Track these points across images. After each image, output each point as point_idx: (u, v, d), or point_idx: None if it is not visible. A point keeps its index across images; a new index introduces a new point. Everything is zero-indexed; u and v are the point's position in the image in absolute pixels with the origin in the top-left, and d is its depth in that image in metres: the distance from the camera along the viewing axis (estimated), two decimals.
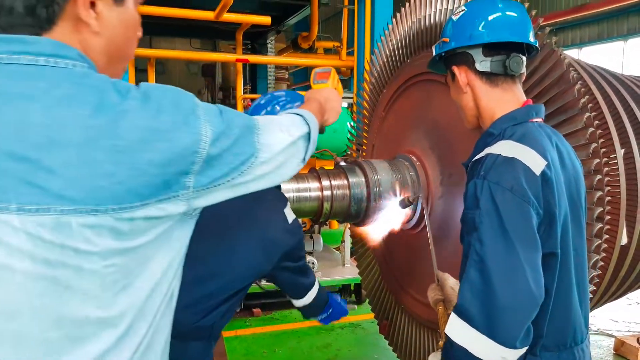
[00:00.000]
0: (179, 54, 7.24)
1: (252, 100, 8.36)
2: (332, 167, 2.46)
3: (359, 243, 3.09)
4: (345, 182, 2.32)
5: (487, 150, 1.38)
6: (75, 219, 0.77)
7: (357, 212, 2.35)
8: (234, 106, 7.61)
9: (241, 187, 0.99)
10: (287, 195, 2.14)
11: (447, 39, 1.56)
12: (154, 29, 8.45)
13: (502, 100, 1.49)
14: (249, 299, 4.69)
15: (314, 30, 8.32)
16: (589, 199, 1.74)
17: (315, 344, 4.22)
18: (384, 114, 2.74)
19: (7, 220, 0.76)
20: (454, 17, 1.57)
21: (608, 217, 1.89)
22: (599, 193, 1.81)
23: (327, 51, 11.13)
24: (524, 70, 1.51)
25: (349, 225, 3.98)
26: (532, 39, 1.51)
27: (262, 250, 1.86)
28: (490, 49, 1.48)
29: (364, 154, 3.00)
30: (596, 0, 11.13)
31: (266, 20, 6.83)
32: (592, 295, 1.94)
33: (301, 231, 2.00)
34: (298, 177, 2.31)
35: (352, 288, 5.28)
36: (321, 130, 1.33)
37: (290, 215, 1.94)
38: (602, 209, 1.82)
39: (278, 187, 2.07)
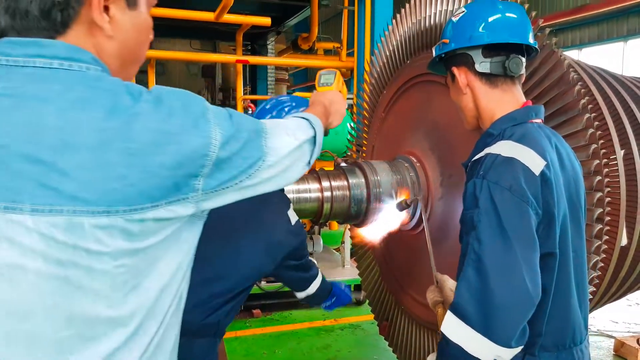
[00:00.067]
0: (179, 55, 7.25)
1: (252, 101, 8.38)
2: (332, 168, 2.47)
3: (359, 244, 3.09)
4: (345, 183, 2.32)
5: (487, 150, 1.39)
6: (87, 220, 0.78)
7: (357, 213, 2.35)
8: (234, 107, 7.61)
9: (248, 189, 1.00)
10: (287, 196, 2.15)
11: (447, 40, 1.56)
12: (154, 30, 8.42)
13: (502, 101, 1.50)
14: (249, 300, 4.69)
15: (314, 31, 8.32)
16: (588, 200, 1.74)
17: (315, 345, 4.22)
18: (384, 115, 2.75)
19: (20, 221, 0.77)
20: (454, 19, 1.57)
21: (608, 218, 1.90)
22: (599, 194, 1.81)
23: (327, 52, 11.14)
24: (523, 71, 1.52)
25: (349, 227, 3.99)
26: (531, 40, 1.51)
27: (266, 252, 1.89)
28: (489, 50, 1.48)
29: (364, 154, 3.01)
30: (596, 1, 11.14)
31: (266, 21, 6.84)
32: (591, 296, 1.94)
33: (304, 231, 2.03)
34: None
35: (352, 289, 5.28)
36: (325, 133, 1.35)
37: (293, 217, 1.96)
38: (602, 210, 1.82)
39: (282, 189, 2.09)
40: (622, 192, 2.24)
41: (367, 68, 3.06)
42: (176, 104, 0.87)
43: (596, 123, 1.87)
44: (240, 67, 7.59)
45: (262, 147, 1.00)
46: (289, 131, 1.11)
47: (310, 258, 2.17)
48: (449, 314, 1.29)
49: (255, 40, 10.28)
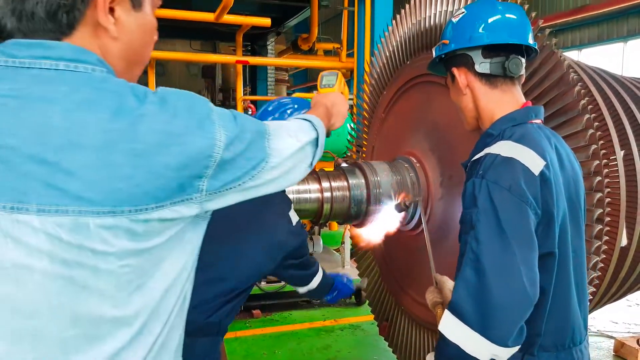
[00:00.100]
0: (179, 56, 7.25)
1: (252, 101, 8.38)
2: (332, 169, 2.47)
3: (361, 249, 3.09)
4: (345, 183, 2.32)
5: (486, 151, 1.39)
6: (93, 220, 0.79)
7: (357, 213, 2.35)
8: (234, 107, 7.61)
9: (251, 190, 1.01)
10: (288, 196, 2.15)
11: (447, 41, 1.57)
12: None
13: (502, 101, 1.50)
14: (249, 301, 4.68)
15: (314, 31, 8.32)
16: (588, 201, 1.74)
17: (315, 346, 4.22)
18: (384, 115, 2.75)
19: (27, 221, 0.78)
20: (454, 20, 1.57)
21: (608, 219, 1.90)
22: (599, 194, 1.81)
23: (327, 53, 11.14)
24: (523, 72, 1.52)
25: (348, 227, 3.98)
26: (531, 41, 1.52)
27: (268, 252, 1.91)
28: (489, 50, 1.49)
29: (364, 155, 3.01)
30: (596, 2, 11.15)
31: (266, 22, 6.85)
32: (591, 297, 1.94)
33: (304, 231, 2.04)
34: None
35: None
36: (327, 134, 1.36)
37: (294, 217, 1.98)
38: (602, 210, 1.82)
39: (283, 190, 2.10)
40: (622, 192, 2.24)
41: (367, 69, 3.06)
42: (181, 105, 0.87)
43: (596, 124, 1.87)
44: (240, 67, 7.59)
45: (265, 148, 1.01)
46: (291, 133, 1.12)
47: (310, 255, 2.18)
48: (446, 313, 1.29)
49: (255, 41, 10.29)
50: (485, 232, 1.27)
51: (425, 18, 2.34)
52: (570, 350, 1.41)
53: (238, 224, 1.88)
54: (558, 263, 1.35)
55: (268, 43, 10.27)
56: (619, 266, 2.39)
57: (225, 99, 10.39)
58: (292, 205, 2.04)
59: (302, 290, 2.25)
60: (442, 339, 1.29)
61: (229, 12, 6.10)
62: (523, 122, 1.45)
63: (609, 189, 1.89)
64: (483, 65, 1.49)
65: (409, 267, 2.52)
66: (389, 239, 2.45)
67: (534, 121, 1.47)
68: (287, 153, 1.07)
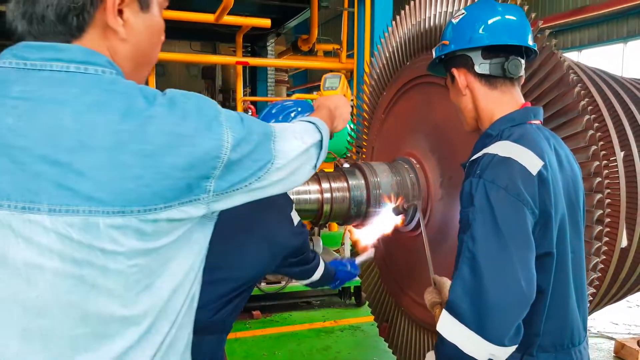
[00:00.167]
0: (179, 57, 7.24)
1: (252, 102, 8.37)
2: (332, 170, 2.47)
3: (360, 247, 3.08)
4: (345, 184, 2.32)
5: (485, 151, 1.39)
6: (102, 220, 0.80)
7: (357, 214, 2.35)
8: (234, 108, 7.61)
9: (257, 191, 1.02)
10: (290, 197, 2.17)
11: (447, 42, 1.57)
12: None
13: (501, 102, 1.50)
14: (249, 302, 4.66)
15: (314, 32, 8.32)
16: (588, 202, 1.74)
17: (315, 347, 4.22)
18: (383, 116, 2.75)
19: (38, 221, 0.79)
20: (454, 20, 1.58)
21: (608, 220, 1.89)
22: (599, 195, 1.81)
23: (327, 54, 11.14)
24: (522, 73, 1.52)
25: (348, 228, 3.98)
26: (530, 42, 1.52)
27: (270, 252, 1.95)
28: (489, 51, 1.49)
29: (364, 156, 3.01)
30: (596, 3, 11.15)
31: (266, 22, 6.84)
32: (592, 298, 1.94)
33: (305, 230, 2.07)
34: None
35: (352, 290, 5.28)
36: (330, 136, 1.37)
37: (295, 218, 2.00)
38: (602, 211, 1.82)
39: None
40: (622, 193, 2.24)
41: (366, 70, 3.06)
42: (189, 107, 0.89)
43: (596, 124, 1.87)
44: (240, 68, 7.58)
45: (271, 150, 1.02)
46: (296, 135, 1.13)
47: (310, 249, 2.21)
48: (444, 313, 1.29)
49: (255, 42, 10.29)
50: (481, 231, 1.27)
51: (425, 19, 2.34)
52: (569, 350, 1.41)
53: (241, 225, 1.90)
54: (556, 263, 1.35)
55: (268, 44, 10.27)
56: (619, 267, 2.39)
57: (225, 100, 10.37)
58: (294, 205, 2.06)
59: (304, 282, 2.29)
60: (440, 339, 1.29)
61: (229, 13, 6.10)
62: (522, 122, 1.45)
63: (609, 190, 1.89)
64: (483, 66, 1.50)
65: (409, 268, 2.52)
66: (388, 240, 2.45)
67: (533, 122, 1.47)
68: (292, 155, 1.08)
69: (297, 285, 4.85)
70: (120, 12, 0.91)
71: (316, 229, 5.49)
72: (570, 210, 1.41)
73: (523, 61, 1.51)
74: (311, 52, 9.30)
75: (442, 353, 1.29)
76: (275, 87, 10.80)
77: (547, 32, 1.89)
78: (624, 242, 2.23)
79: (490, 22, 1.50)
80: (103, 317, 0.84)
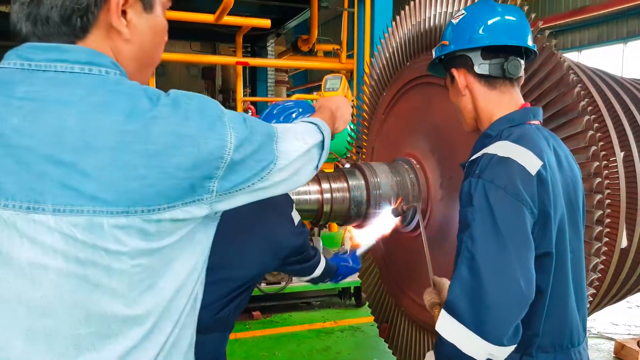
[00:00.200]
0: (179, 57, 7.24)
1: (252, 103, 8.37)
2: (332, 170, 2.47)
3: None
4: (345, 185, 2.32)
5: (484, 151, 1.39)
6: (107, 220, 0.81)
7: (357, 214, 2.35)
8: (234, 109, 7.61)
9: (260, 192, 1.03)
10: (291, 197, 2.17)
11: (447, 42, 1.57)
12: None
13: (500, 102, 1.51)
14: (249, 302, 4.68)
15: (314, 33, 8.33)
16: (588, 202, 1.74)
17: (314, 347, 4.22)
18: (383, 116, 2.75)
19: (43, 221, 0.80)
20: (454, 21, 1.58)
21: (608, 220, 1.89)
22: (599, 196, 1.80)
23: (327, 54, 11.15)
24: (522, 73, 1.52)
25: (348, 228, 3.98)
26: (530, 42, 1.52)
27: (270, 252, 1.97)
28: (489, 52, 1.49)
29: (364, 156, 3.01)
30: (596, 3, 11.15)
31: (266, 23, 6.84)
32: (592, 298, 1.94)
33: (305, 230, 2.09)
34: None
35: (352, 291, 5.28)
36: (331, 137, 1.37)
37: (296, 218, 2.02)
38: (601, 212, 1.82)
39: None
40: (622, 194, 2.24)
41: (366, 70, 3.06)
42: (193, 107, 0.89)
43: (596, 125, 1.87)
44: (240, 68, 7.59)
45: (274, 150, 1.03)
46: (298, 135, 1.14)
47: (311, 245, 2.23)
48: (443, 312, 1.30)
49: (255, 42, 10.29)
50: (480, 230, 1.27)
51: (425, 19, 2.34)
52: (568, 351, 1.41)
53: (242, 225, 1.91)
54: (555, 263, 1.35)
55: (268, 44, 10.27)
56: (619, 268, 2.39)
57: (225, 100, 10.37)
58: (294, 205, 2.07)
59: (305, 279, 2.31)
60: (439, 338, 1.29)
61: (229, 14, 6.10)
62: (521, 123, 1.45)
63: (609, 191, 1.89)
64: (482, 66, 1.50)
65: (409, 268, 2.52)
66: (388, 240, 2.45)
67: (532, 122, 1.47)
68: (294, 155, 1.09)
69: (297, 285, 4.85)
70: (123, 13, 0.91)
71: (316, 229, 5.49)
72: (570, 211, 1.41)
73: (523, 62, 1.51)
74: (311, 53, 9.30)
75: (442, 353, 1.30)
76: (275, 88, 10.80)
77: (547, 32, 1.89)
78: (624, 243, 2.23)
79: (490, 22, 1.50)
80: (107, 317, 0.85)
